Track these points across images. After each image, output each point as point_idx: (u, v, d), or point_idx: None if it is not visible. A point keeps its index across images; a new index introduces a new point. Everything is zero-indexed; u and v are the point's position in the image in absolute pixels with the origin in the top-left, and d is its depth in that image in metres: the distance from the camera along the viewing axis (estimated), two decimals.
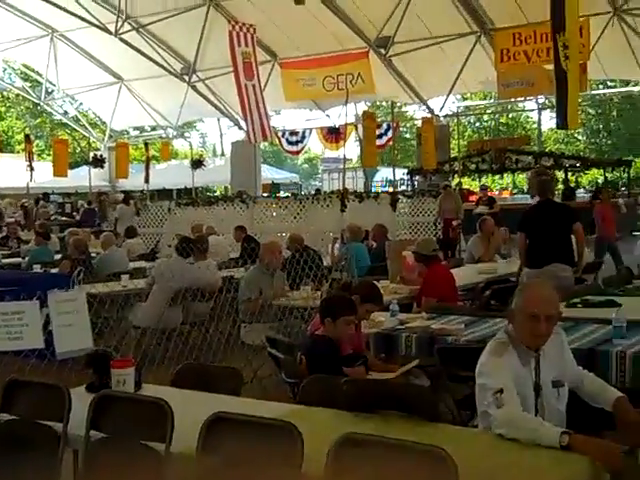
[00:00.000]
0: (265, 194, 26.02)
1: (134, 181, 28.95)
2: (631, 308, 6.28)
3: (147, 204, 22.78)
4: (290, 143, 29.26)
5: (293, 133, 29.29)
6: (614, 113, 47.94)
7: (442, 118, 27.23)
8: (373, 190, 31.96)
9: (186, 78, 28.13)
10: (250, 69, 20.55)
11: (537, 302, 3.63)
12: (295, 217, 21.59)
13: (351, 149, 38.37)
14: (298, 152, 32.05)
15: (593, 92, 32.21)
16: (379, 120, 27.59)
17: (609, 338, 5.12)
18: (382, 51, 24.41)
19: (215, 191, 35.86)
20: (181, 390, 4.22)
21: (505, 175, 30.93)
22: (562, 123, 14.73)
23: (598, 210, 14.30)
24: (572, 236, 8.20)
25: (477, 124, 49.90)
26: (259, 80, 20.86)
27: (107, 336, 6.74)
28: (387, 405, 3.72)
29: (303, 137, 28.96)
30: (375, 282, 6.88)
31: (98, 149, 32.76)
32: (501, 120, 48.63)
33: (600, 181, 27.43)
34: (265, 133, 21.09)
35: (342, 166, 24.15)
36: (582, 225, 8.18)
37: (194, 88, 28.69)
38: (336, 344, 4.90)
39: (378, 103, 37.04)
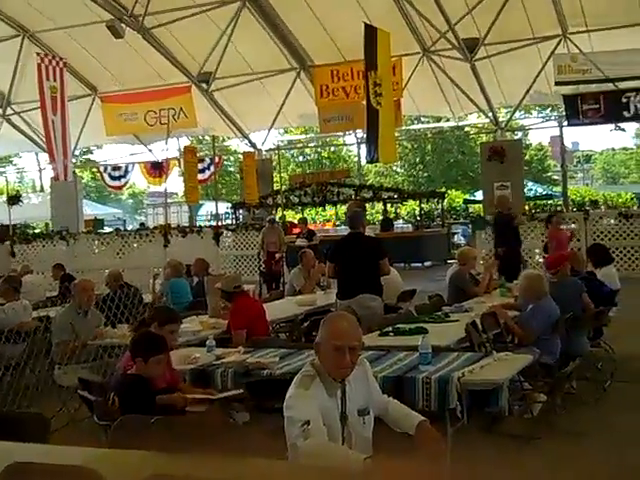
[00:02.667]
0: (88, 230, 25.27)
1: None
2: (438, 334, 6.60)
3: None
4: (113, 178, 28.69)
5: (115, 168, 28.74)
6: (429, 147, 50.33)
7: (264, 152, 27.55)
8: (198, 224, 31.81)
9: (0, 111, 26.99)
10: (56, 104, 20.09)
11: (340, 334, 3.72)
12: (118, 253, 21.21)
13: (176, 183, 38.06)
14: (121, 187, 31.45)
15: (410, 127, 33.70)
16: (202, 154, 27.58)
17: (416, 365, 5.33)
18: (204, 86, 24.45)
19: (35, 228, 34.45)
20: None
21: (328, 207, 31.55)
22: (372, 157, 15.32)
23: (553, 235, 13.64)
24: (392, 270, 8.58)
25: (300, 158, 50.86)
26: (63, 116, 20.41)
27: None
28: (199, 442, 3.69)
29: (126, 172, 28.47)
30: (196, 316, 6.87)
31: None
32: (323, 154, 49.84)
33: (417, 212, 28.57)
34: (66, 172, 20.64)
35: (167, 201, 24.07)
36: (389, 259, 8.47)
37: (9, 121, 27.56)
38: (148, 382, 4.84)
39: (201, 137, 37.00)
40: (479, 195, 28.56)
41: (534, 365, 6.66)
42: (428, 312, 8.16)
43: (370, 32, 16.56)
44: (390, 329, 6.96)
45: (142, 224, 33.74)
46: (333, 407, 3.69)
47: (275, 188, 26.38)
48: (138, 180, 38.82)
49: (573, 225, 17.02)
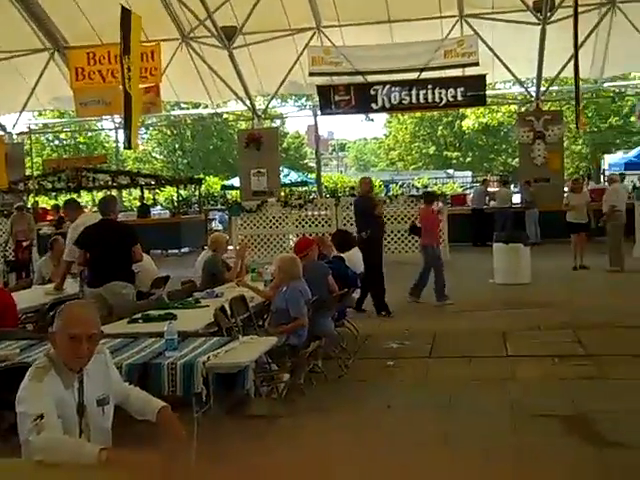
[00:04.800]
0: None
1: None
2: (188, 320, 6.64)
3: None
4: None
5: None
6: (188, 134, 50.16)
7: (15, 135, 26.20)
8: None
9: None
10: None
11: (77, 323, 3.63)
12: None
13: None
14: None
15: (169, 113, 33.36)
16: None
17: (162, 351, 5.33)
18: None
19: None
20: None
21: (84, 193, 30.60)
22: (129, 143, 15.09)
23: (423, 215, 12.88)
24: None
25: (56, 142, 48.76)
26: None
27: None
28: None
29: None
30: None
31: None
32: (80, 139, 48.09)
33: (175, 198, 28.38)
34: None
35: None
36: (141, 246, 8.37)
37: None
38: None
39: None
40: (236, 181, 28.88)
41: (282, 346, 6.91)
42: (180, 298, 8.18)
43: (126, 15, 16.21)
44: (139, 316, 6.91)
45: None
46: (70, 398, 3.60)
47: (28, 173, 25.16)
48: None
49: (440, 204, 17.09)
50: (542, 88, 23.62)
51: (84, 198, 33.13)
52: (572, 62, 18.37)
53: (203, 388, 4.99)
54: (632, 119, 36.00)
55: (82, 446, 3.33)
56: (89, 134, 46.59)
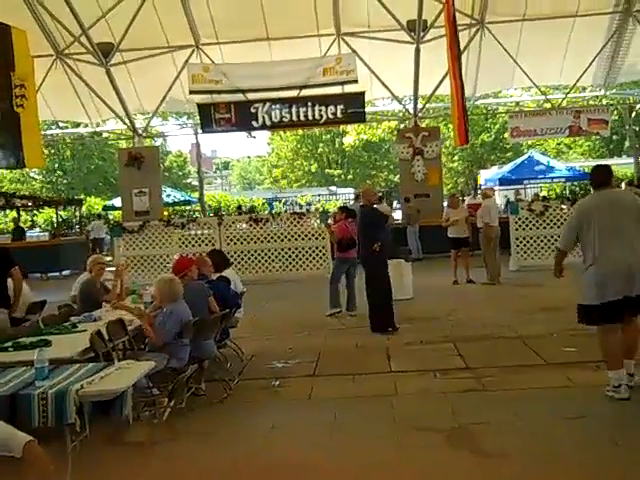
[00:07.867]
0: None
1: None
2: (63, 346, 6.38)
3: None
4: None
5: None
6: (68, 153, 48.83)
7: None
8: None
9: None
10: None
11: None
12: None
13: None
14: None
15: (46, 132, 32.38)
16: None
17: (33, 380, 5.08)
18: None
19: None
20: None
21: None
22: (14, 164, 14.59)
23: (351, 230, 12.38)
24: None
25: None
26: None
27: None
28: None
29: None
30: None
31: None
32: None
33: (54, 220, 27.51)
34: None
35: None
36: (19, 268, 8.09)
37: None
38: None
39: None
40: (118, 202, 28.28)
41: (165, 370, 6.74)
42: (56, 323, 7.88)
43: (3, 30, 15.71)
44: (10, 344, 6.59)
45: None
46: None
47: None
48: None
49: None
50: (419, 105, 24.19)
51: None
52: (447, 80, 18.90)
53: (76, 418, 4.79)
54: (505, 135, 37.20)
55: None
56: None
